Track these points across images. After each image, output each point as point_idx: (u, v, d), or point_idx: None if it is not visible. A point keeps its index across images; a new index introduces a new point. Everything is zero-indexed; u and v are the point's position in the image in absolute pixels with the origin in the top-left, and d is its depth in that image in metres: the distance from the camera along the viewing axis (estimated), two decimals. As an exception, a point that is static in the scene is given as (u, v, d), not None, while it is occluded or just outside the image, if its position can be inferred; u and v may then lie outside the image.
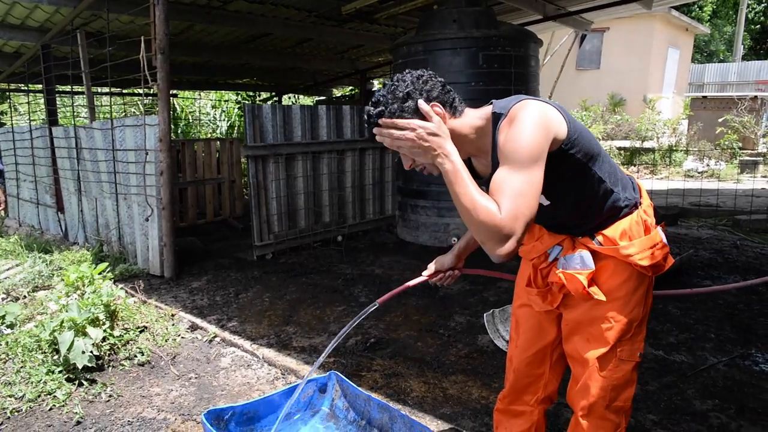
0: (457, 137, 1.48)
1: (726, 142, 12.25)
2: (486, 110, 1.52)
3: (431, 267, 1.91)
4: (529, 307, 1.79)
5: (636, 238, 1.57)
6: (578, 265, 1.57)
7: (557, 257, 1.64)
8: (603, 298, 1.55)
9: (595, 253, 1.58)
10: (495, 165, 1.46)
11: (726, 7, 26.76)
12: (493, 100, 1.52)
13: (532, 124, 1.36)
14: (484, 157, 1.57)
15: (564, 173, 1.47)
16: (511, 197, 1.30)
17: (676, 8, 16.15)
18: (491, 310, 3.51)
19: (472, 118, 1.52)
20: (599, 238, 1.58)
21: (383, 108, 1.44)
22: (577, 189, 1.54)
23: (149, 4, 4.48)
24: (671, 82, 17.74)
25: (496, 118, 1.46)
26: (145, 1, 4.73)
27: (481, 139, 1.52)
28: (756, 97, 13.48)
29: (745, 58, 24.97)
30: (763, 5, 26.82)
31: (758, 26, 27.18)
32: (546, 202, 1.54)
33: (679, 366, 3.01)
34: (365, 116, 1.49)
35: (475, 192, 1.32)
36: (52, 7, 5.29)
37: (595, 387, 1.59)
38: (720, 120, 12.91)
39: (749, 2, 24.98)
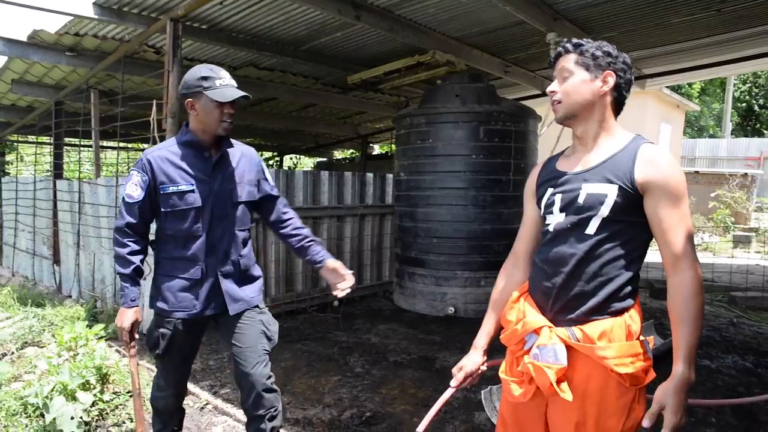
0: (597, 112, 1.57)
1: (719, 217, 12.47)
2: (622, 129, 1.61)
3: (458, 375, 1.77)
4: (513, 404, 1.68)
5: (616, 341, 1.48)
6: (551, 358, 1.49)
7: (534, 344, 1.56)
8: (569, 397, 1.47)
9: (570, 349, 1.51)
10: (595, 174, 1.54)
11: (713, 86, 27.92)
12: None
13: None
14: (582, 149, 1.62)
15: (634, 216, 1.52)
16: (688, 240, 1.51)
17: (668, 86, 16.80)
18: (489, 387, 3.45)
19: (613, 121, 1.60)
20: (577, 333, 1.51)
21: (584, 43, 1.57)
22: (628, 238, 1.55)
23: (164, 71, 4.65)
24: (664, 156, 18.18)
25: (637, 139, 1.55)
26: (160, 66, 4.91)
27: (606, 139, 1.59)
28: (746, 173, 13.82)
29: (733, 133, 25.84)
30: (747, 85, 28.11)
31: (744, 104, 28.31)
32: (592, 231, 1.52)
33: (680, 454, 2.95)
34: (559, 47, 1.60)
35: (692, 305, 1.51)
36: (69, 67, 5.48)
37: None
38: (712, 195, 13.19)
39: (735, 82, 26.08)
